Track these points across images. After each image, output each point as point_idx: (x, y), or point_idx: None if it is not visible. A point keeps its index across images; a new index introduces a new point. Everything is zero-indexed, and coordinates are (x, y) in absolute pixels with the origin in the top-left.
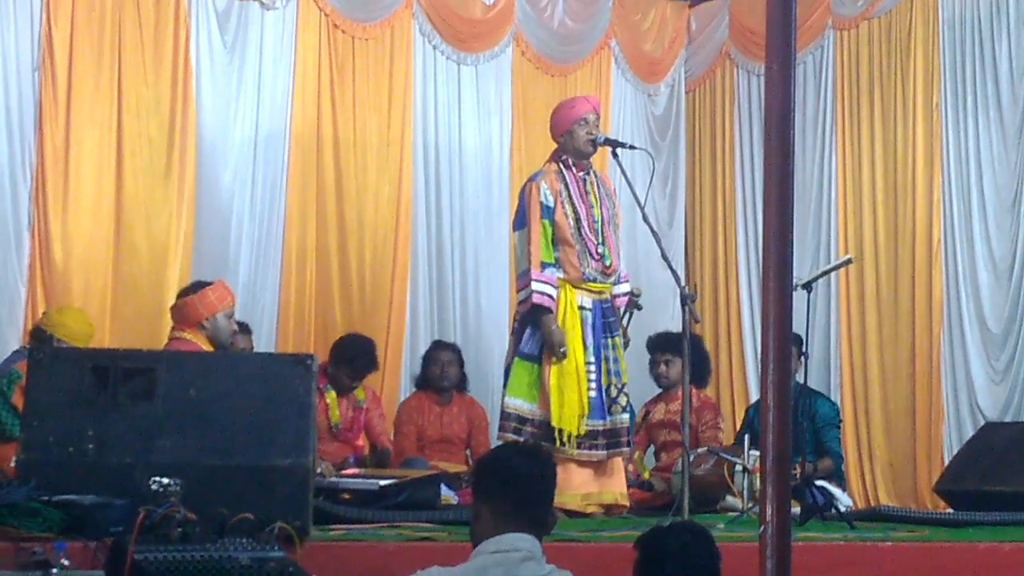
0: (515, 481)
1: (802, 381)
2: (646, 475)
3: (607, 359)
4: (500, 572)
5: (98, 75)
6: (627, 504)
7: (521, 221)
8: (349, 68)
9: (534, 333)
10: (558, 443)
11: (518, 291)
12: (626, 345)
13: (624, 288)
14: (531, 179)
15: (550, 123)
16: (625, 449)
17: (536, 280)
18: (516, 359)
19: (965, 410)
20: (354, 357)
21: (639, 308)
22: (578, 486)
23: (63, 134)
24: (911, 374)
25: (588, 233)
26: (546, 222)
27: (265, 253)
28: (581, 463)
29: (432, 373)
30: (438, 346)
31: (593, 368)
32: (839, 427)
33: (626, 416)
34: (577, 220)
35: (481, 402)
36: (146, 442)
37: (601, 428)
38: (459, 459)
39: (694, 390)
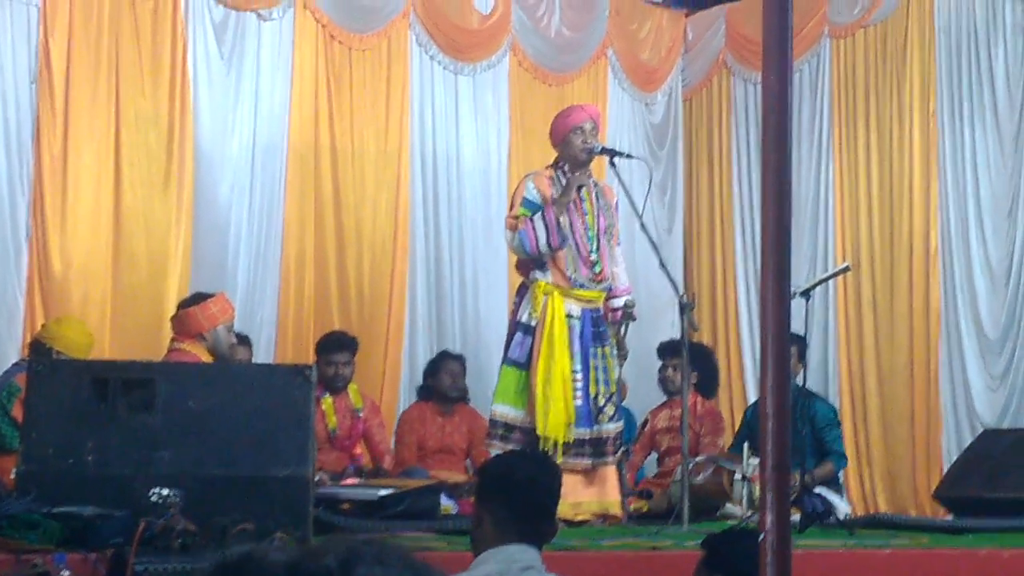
0: (519, 488)
1: (801, 383)
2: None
3: (596, 368)
4: None
5: (96, 87)
6: (619, 515)
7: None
8: (346, 78)
9: (523, 339)
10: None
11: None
12: (624, 357)
13: (619, 302)
14: (526, 176)
15: (549, 132)
16: (610, 458)
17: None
18: (503, 366)
19: (963, 416)
20: (323, 341)
21: (633, 319)
22: (566, 494)
23: (61, 146)
24: (909, 381)
25: (581, 239)
26: (527, 211)
27: (263, 263)
28: (568, 471)
29: (443, 383)
30: (448, 356)
31: (580, 376)
32: (839, 426)
33: (611, 426)
34: (570, 225)
35: (481, 412)
36: (146, 453)
37: (587, 437)
38: (459, 469)
39: (702, 400)
